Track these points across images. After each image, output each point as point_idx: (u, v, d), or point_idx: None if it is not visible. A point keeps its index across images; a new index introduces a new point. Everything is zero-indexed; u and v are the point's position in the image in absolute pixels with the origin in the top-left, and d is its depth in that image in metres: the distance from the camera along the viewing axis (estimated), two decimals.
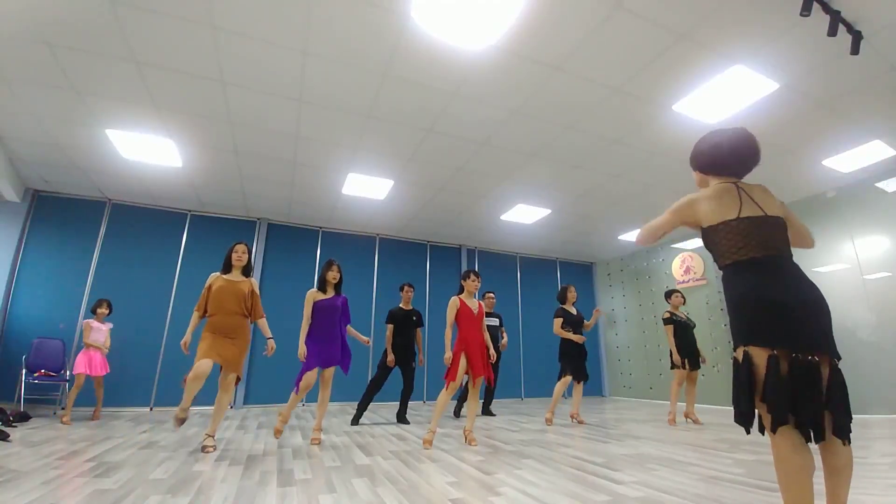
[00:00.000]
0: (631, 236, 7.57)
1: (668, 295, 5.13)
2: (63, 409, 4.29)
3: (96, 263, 5.78)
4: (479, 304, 3.77)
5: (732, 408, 1.45)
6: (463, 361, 3.49)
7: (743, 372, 1.40)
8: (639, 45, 3.09)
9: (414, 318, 4.94)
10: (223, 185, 5.56)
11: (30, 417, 4.20)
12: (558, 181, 5.39)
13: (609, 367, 8.80)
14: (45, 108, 3.89)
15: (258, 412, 5.46)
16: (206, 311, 3.24)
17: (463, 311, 3.64)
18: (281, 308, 6.09)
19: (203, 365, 3.00)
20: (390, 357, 4.68)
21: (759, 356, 1.37)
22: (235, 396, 5.98)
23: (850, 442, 1.31)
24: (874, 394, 4.56)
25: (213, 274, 3.38)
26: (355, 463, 2.78)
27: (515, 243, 8.23)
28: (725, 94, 3.57)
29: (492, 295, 5.59)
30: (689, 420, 4.73)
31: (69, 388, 4.42)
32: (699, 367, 4.78)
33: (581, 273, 9.42)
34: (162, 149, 4.56)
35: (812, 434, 1.31)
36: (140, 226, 6.11)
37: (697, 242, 7.06)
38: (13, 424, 3.83)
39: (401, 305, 4.99)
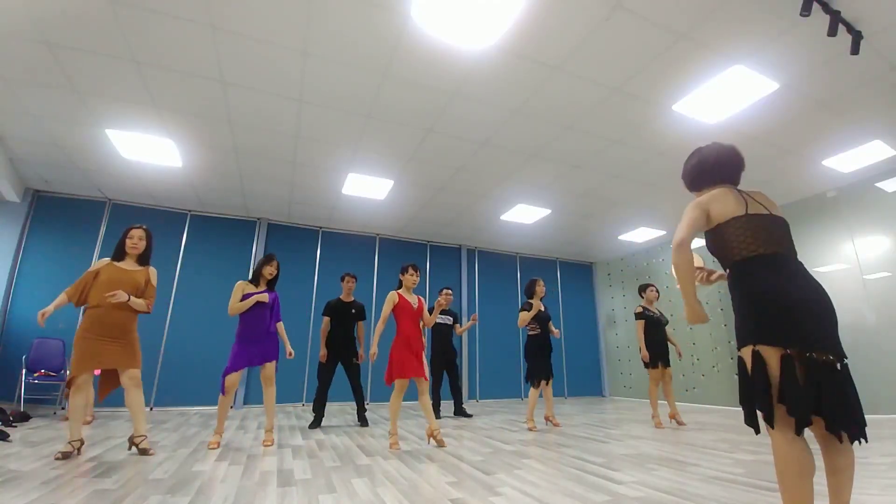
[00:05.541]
0: (631, 236, 7.56)
1: (643, 289, 4.96)
2: (63, 408, 4.28)
3: None
4: (420, 300, 3.63)
5: (742, 409, 1.40)
6: (401, 359, 3.32)
7: (756, 372, 1.34)
8: (639, 45, 3.09)
9: (353, 311, 4.63)
10: (223, 185, 5.56)
11: (30, 417, 4.20)
12: (558, 181, 5.39)
13: (609, 367, 8.80)
14: (45, 108, 3.89)
15: (258, 412, 5.45)
16: (85, 301, 2.85)
17: (402, 305, 3.48)
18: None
19: (81, 381, 2.74)
20: (322, 351, 4.45)
21: (772, 356, 1.33)
22: (235, 397, 5.98)
23: (856, 441, 1.30)
24: (875, 394, 4.55)
25: (102, 259, 3.03)
26: (355, 463, 2.78)
27: (515, 243, 8.23)
28: (725, 94, 3.57)
29: (449, 291, 5.19)
30: (672, 421, 4.60)
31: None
32: (670, 365, 4.66)
33: (581, 273, 9.42)
34: (162, 149, 4.56)
35: (847, 435, 1.28)
36: None
37: (698, 242, 7.05)
38: (13, 424, 3.83)
39: (340, 297, 4.70)
